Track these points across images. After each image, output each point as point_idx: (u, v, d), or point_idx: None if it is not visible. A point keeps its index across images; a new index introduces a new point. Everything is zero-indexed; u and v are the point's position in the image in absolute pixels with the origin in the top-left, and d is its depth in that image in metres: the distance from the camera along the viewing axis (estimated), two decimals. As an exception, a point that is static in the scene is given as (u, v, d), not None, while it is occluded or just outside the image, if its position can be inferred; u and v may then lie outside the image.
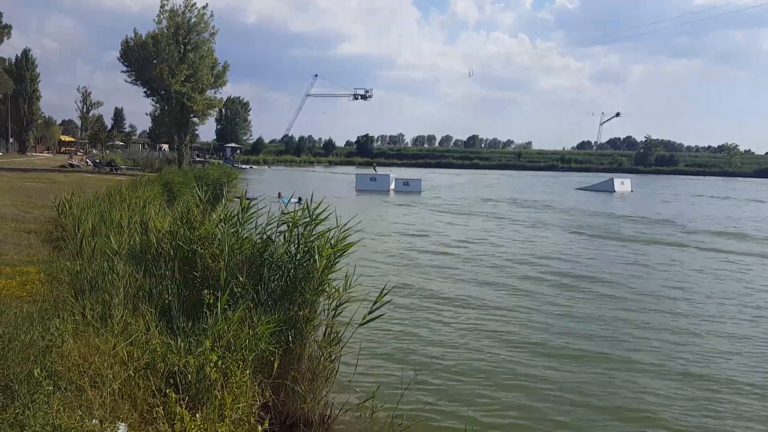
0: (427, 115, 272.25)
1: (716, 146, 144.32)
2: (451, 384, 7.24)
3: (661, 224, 26.24)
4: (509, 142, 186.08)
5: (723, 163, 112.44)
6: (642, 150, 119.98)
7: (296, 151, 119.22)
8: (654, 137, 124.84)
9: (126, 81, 44.29)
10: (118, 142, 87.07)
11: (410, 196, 41.09)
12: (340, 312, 6.03)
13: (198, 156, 76.69)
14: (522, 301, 11.25)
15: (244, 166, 77.15)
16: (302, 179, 57.76)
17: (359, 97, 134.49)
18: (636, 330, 9.68)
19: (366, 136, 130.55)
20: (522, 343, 8.87)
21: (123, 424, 4.09)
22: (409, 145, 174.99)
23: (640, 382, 7.47)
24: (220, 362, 4.72)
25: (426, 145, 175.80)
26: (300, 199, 8.44)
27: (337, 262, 6.09)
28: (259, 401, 5.18)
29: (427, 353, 8.27)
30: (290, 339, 5.81)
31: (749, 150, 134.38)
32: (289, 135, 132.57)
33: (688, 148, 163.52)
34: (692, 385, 7.40)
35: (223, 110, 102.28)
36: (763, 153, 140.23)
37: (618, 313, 10.69)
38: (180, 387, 4.57)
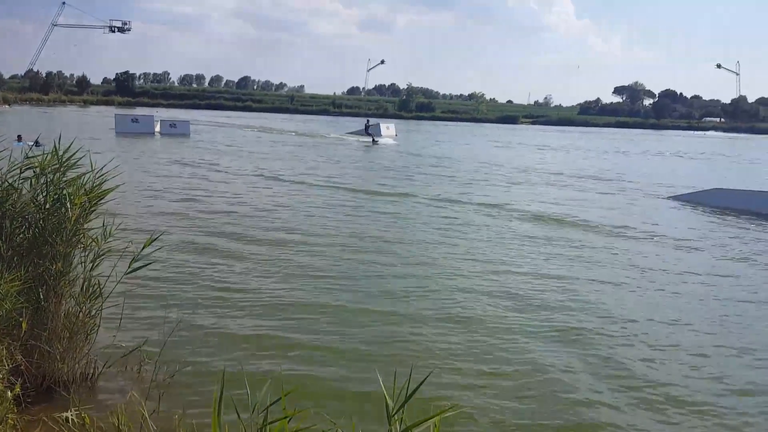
0: (195, 54, 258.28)
1: (467, 95, 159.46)
2: (213, 329, 7.29)
3: (415, 170, 28.51)
4: (282, 85, 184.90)
5: (472, 110, 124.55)
6: (404, 97, 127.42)
7: (43, 88, 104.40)
8: (415, 85, 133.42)
9: None
10: None
11: (177, 139, 38.94)
12: (100, 264, 5.67)
13: None
14: (274, 251, 11.57)
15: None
16: (52, 120, 51.38)
17: (116, 29, 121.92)
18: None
19: (126, 73, 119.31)
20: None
21: None
22: (176, 84, 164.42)
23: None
24: (-47, 328, 4.19)
25: (195, 85, 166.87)
26: (38, 142, 7.50)
27: (94, 211, 5.65)
28: (8, 365, 4.74)
29: (192, 300, 8.22)
30: (42, 296, 5.34)
31: (493, 98, 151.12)
32: (35, 70, 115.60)
33: (444, 95, 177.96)
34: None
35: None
36: (504, 101, 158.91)
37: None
38: None
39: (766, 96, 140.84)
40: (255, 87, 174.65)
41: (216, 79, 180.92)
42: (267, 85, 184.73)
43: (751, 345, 7.61)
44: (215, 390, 3.16)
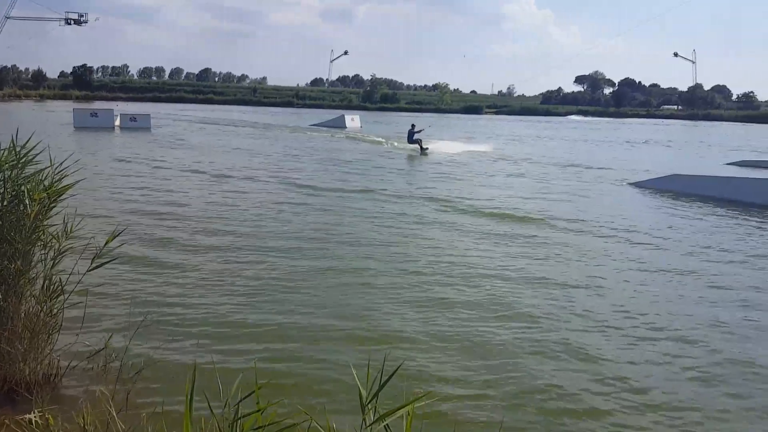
0: (154, 46, 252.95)
1: (431, 85, 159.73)
2: (180, 324, 7.20)
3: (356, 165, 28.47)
4: (244, 77, 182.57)
5: (437, 100, 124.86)
6: (369, 88, 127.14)
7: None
8: (379, 76, 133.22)
9: None
10: None
11: (138, 133, 38.13)
12: (60, 261, 5.51)
13: None
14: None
15: None
16: (6, 116, 49.67)
17: (72, 21, 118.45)
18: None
19: (83, 66, 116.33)
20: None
21: None
22: (135, 77, 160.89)
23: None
24: None
25: (154, 78, 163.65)
26: None
27: (53, 207, 5.49)
28: (-34, 369, 4.60)
29: (157, 295, 8.10)
30: (0, 296, 5.17)
31: (457, 89, 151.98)
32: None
33: (408, 86, 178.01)
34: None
35: None
36: (468, 92, 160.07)
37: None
38: None
39: (721, 84, 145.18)
40: (216, 79, 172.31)
41: (176, 72, 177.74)
42: (229, 77, 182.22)
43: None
44: (185, 385, 3.10)
